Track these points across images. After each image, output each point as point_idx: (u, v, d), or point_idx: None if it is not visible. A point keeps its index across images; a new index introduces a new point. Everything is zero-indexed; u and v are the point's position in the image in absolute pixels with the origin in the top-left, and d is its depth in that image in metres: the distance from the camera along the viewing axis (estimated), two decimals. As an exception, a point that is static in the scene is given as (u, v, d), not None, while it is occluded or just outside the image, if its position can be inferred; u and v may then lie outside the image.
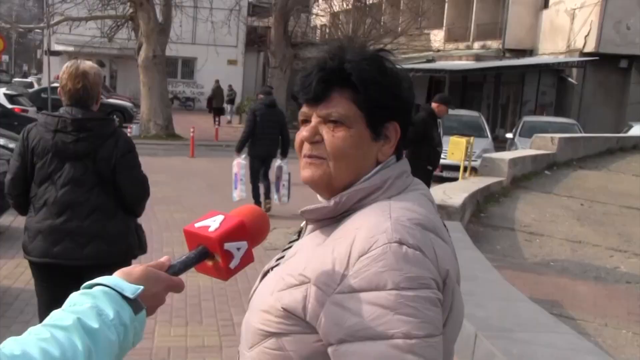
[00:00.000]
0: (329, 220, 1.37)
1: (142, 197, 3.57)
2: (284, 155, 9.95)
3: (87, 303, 1.11)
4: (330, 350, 1.24)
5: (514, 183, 11.88)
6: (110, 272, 3.47)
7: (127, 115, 25.68)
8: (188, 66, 37.86)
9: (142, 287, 1.17)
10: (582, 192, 11.98)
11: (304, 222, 1.47)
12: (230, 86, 31.57)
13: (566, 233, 9.56)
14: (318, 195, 1.43)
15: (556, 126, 17.80)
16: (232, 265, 1.29)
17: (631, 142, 16.76)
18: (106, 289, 1.14)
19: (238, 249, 1.29)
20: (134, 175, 3.50)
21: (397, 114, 1.40)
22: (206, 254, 1.30)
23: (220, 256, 1.28)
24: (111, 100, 25.84)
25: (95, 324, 1.08)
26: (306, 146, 1.38)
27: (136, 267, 1.22)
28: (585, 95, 25.30)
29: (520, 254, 8.53)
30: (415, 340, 1.18)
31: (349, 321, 1.21)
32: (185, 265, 1.28)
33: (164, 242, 7.91)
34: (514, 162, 11.93)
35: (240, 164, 9.82)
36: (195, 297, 5.92)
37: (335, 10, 30.99)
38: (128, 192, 3.47)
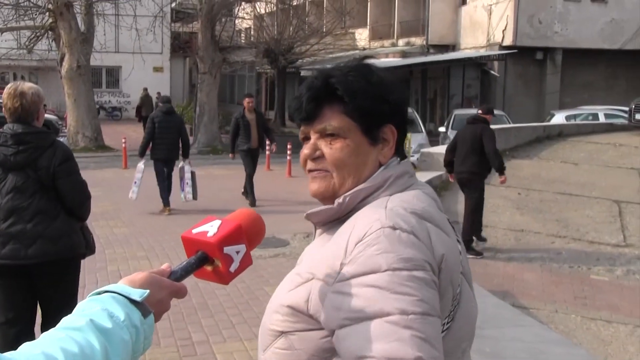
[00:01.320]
0: (335, 222, 1.43)
1: (82, 200, 3.89)
2: (185, 156, 10.70)
3: (96, 307, 1.12)
4: (333, 339, 1.28)
5: (453, 176, 12.06)
6: (58, 266, 3.55)
7: (52, 129, 24.75)
8: (113, 75, 36.92)
9: (147, 290, 1.18)
10: (518, 181, 12.28)
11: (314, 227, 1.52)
12: (158, 93, 30.98)
13: (508, 223, 9.78)
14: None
15: (486, 118, 18.15)
16: (232, 268, 1.31)
17: (556, 130, 17.34)
18: (113, 294, 1.15)
19: (237, 252, 1.31)
20: (72, 180, 3.83)
21: (390, 117, 1.46)
22: (206, 260, 1.31)
23: (221, 260, 1.29)
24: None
25: (108, 324, 1.09)
26: (309, 163, 1.46)
27: (139, 273, 1.23)
28: (507, 87, 26.16)
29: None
30: (412, 316, 1.20)
31: (348, 305, 1.25)
32: (186, 272, 1.29)
33: (107, 260, 7.63)
34: (451, 155, 12.07)
35: (139, 167, 10.71)
36: (148, 316, 5.69)
37: (260, 13, 30.87)
38: (68, 196, 3.81)
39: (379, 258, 1.25)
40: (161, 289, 1.23)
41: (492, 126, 12.37)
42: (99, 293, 1.17)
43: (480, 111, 9.04)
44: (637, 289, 7.62)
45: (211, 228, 1.32)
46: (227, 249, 1.29)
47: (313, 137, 1.45)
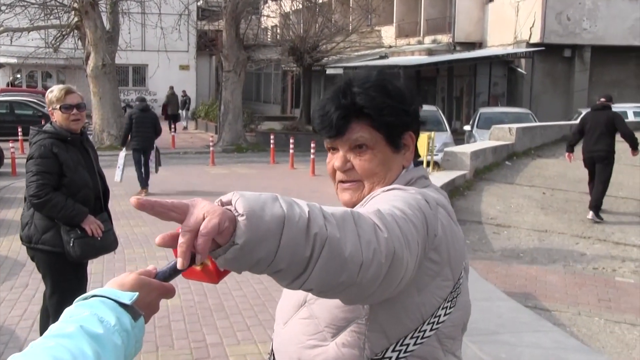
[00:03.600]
0: None
1: (31, 200, 4.02)
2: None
3: (85, 312, 1.09)
4: None
5: (477, 175, 11.92)
6: (34, 255, 4.09)
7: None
8: (139, 73, 37.16)
9: (137, 293, 1.16)
10: (543, 181, 12.09)
11: None
12: (184, 92, 31.13)
13: (532, 223, 9.61)
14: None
15: (512, 116, 17.98)
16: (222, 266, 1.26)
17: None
18: (102, 298, 1.13)
19: None
20: (27, 179, 4.06)
21: (410, 125, 1.60)
22: (194, 258, 1.24)
23: (209, 258, 1.23)
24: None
25: (99, 330, 1.06)
26: (340, 174, 1.59)
27: (128, 276, 1.21)
28: (534, 85, 25.82)
29: (489, 247, 8.53)
30: (400, 211, 1.32)
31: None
32: (174, 271, 1.24)
33: (126, 260, 7.64)
34: (475, 154, 11.96)
35: (120, 155, 12.79)
36: (164, 318, 5.59)
37: (286, 11, 30.84)
38: (27, 191, 4.08)
39: (390, 192, 1.46)
40: (150, 290, 1.21)
41: (518, 125, 12.77)
42: (86, 298, 1.15)
43: (604, 99, 10.51)
44: (663, 291, 7.44)
45: None
46: None
47: (342, 149, 1.56)
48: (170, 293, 1.27)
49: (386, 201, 1.38)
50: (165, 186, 13.72)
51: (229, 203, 1.10)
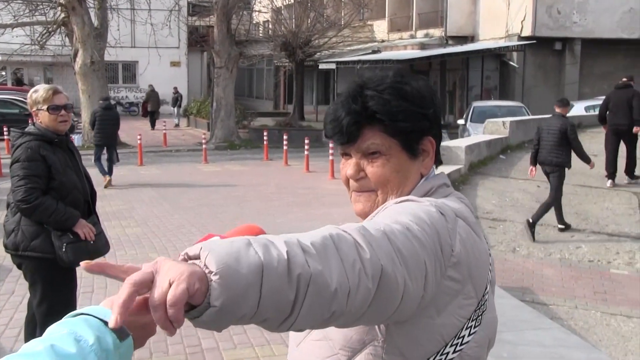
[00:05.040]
0: None
1: (19, 205, 3.87)
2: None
3: (63, 330, 1.06)
4: None
5: (472, 169, 11.89)
6: (21, 263, 3.90)
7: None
8: (129, 70, 36.92)
9: None
10: (538, 174, 12.02)
11: None
12: (175, 88, 30.99)
13: (527, 217, 9.56)
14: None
15: (505, 110, 17.96)
16: None
17: (575, 121, 16.94)
18: (87, 316, 1.09)
19: None
20: (14, 183, 3.92)
21: (429, 130, 1.49)
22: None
23: None
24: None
25: (71, 349, 1.02)
26: (353, 183, 1.50)
27: None
28: (526, 78, 25.88)
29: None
30: (402, 226, 1.23)
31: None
32: None
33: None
34: (470, 148, 11.92)
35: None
36: (157, 323, 5.54)
37: (278, 6, 30.71)
38: (13, 196, 3.90)
39: (403, 204, 1.36)
40: (147, 312, 1.13)
41: (511, 118, 12.68)
42: (75, 315, 1.10)
43: (626, 79, 11.89)
44: (658, 283, 7.43)
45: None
46: None
47: (355, 156, 1.48)
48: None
49: (390, 215, 1.29)
50: (155, 181, 13.64)
51: (197, 257, 1.00)
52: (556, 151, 9.01)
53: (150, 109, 29.09)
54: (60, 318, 1.11)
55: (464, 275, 1.34)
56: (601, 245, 8.49)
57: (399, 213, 1.29)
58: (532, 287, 7.08)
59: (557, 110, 9.29)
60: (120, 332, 1.08)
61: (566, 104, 9.42)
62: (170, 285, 0.94)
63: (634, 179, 11.54)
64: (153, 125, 28.28)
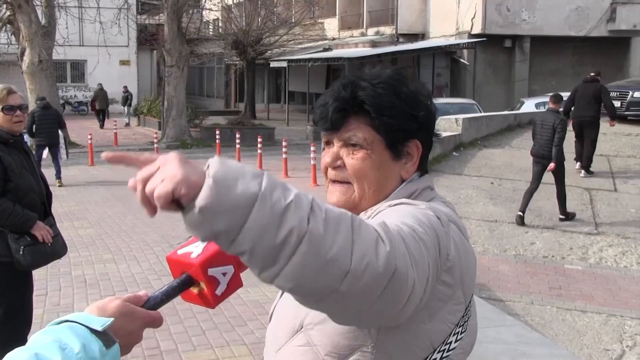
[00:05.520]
0: None
1: None
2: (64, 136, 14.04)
3: (48, 338, 1.04)
4: None
5: (425, 167, 11.97)
6: None
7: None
8: (78, 69, 36.12)
9: (111, 319, 1.11)
10: (490, 171, 12.24)
11: None
12: (125, 87, 30.50)
13: (482, 213, 9.71)
14: None
15: (457, 107, 18.15)
16: (219, 291, 1.23)
17: (527, 118, 17.30)
18: (72, 324, 1.08)
19: (224, 274, 1.23)
20: None
21: (417, 133, 1.45)
22: (190, 282, 1.23)
23: (205, 283, 1.22)
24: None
25: (56, 357, 1.01)
26: (330, 172, 1.46)
27: (112, 301, 1.16)
28: (477, 75, 26.25)
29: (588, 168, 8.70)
30: (410, 228, 1.20)
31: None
32: (167, 296, 1.21)
33: (72, 265, 7.36)
34: (423, 146, 11.99)
35: (60, 134, 13.73)
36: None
37: (228, 4, 30.48)
38: None
39: (399, 207, 1.33)
40: (134, 319, 1.16)
41: (464, 115, 12.98)
42: (59, 323, 1.09)
43: (593, 74, 12.67)
44: (609, 277, 7.62)
45: (196, 249, 1.24)
46: (212, 271, 1.21)
47: (336, 144, 1.45)
48: (156, 322, 1.20)
49: (394, 216, 1.25)
50: (108, 181, 13.40)
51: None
52: (550, 145, 9.41)
53: (99, 107, 28.78)
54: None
55: (457, 280, 1.33)
56: (555, 241, 8.66)
57: (401, 215, 1.26)
58: (488, 283, 7.17)
59: (551, 105, 9.75)
60: (106, 339, 1.08)
61: (559, 100, 9.93)
62: (162, 181, 0.99)
63: (590, 175, 11.90)
64: (102, 124, 28.01)
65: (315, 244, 1.00)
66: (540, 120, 9.70)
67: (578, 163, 12.19)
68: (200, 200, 0.96)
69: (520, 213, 9.30)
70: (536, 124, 9.73)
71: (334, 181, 1.45)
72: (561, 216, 9.55)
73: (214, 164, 1.00)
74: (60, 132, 13.75)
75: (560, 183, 9.54)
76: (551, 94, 10.45)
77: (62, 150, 13.89)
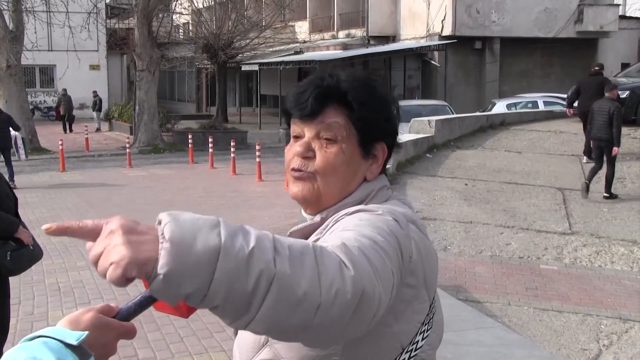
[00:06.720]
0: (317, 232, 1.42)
1: None
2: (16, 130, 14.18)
3: (22, 355, 1.02)
4: None
5: (399, 169, 12.01)
6: None
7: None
8: (47, 74, 35.65)
9: (86, 332, 1.09)
10: (464, 172, 12.31)
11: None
12: (95, 92, 30.17)
13: (456, 215, 9.75)
14: (302, 210, 1.49)
15: (429, 109, 18.25)
16: None
17: (499, 119, 17.50)
18: (45, 339, 1.06)
19: None
20: None
21: (386, 135, 1.47)
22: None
23: None
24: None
25: None
26: (297, 160, 1.42)
27: (84, 314, 1.15)
28: (448, 76, 26.47)
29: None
30: (369, 238, 1.18)
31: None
32: (140, 306, 1.19)
33: (45, 272, 7.24)
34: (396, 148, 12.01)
35: (15, 135, 13.94)
36: (91, 331, 5.36)
37: (198, 8, 30.33)
38: None
39: (357, 214, 1.32)
40: (107, 331, 1.15)
41: (437, 117, 13.15)
42: (32, 338, 1.06)
43: (597, 67, 13.73)
44: (584, 276, 7.69)
45: None
46: None
47: (308, 135, 1.42)
48: (130, 334, 1.19)
49: (352, 228, 1.23)
50: (80, 187, 13.23)
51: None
52: (605, 129, 10.72)
53: (63, 112, 28.68)
54: None
55: (420, 281, 1.34)
56: (530, 242, 8.73)
57: (360, 225, 1.24)
58: (465, 285, 7.20)
59: (607, 94, 11.14)
60: (82, 353, 1.05)
61: (613, 87, 11.35)
62: (109, 265, 0.94)
63: (591, 160, 12.36)
64: (67, 129, 27.97)
65: (285, 284, 0.98)
66: (597, 107, 10.99)
67: (585, 157, 12.88)
68: (161, 268, 0.92)
69: (587, 181, 10.63)
70: (594, 111, 11.02)
71: (299, 170, 1.42)
72: (605, 194, 10.66)
73: (167, 223, 0.95)
74: (16, 134, 13.94)
75: (612, 165, 10.74)
76: (610, 82, 12.16)
77: (21, 151, 14.13)
